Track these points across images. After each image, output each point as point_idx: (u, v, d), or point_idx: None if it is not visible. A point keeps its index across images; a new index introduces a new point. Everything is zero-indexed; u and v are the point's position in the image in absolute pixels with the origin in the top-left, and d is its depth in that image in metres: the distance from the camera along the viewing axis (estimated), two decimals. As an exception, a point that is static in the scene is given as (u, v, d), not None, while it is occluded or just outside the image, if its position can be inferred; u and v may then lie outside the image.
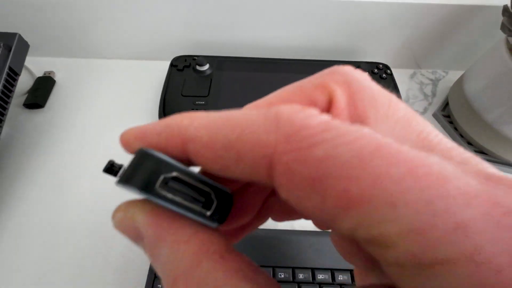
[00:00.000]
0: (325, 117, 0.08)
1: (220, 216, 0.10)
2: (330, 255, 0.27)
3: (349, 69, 0.10)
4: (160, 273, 0.09)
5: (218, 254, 0.09)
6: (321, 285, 0.26)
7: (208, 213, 0.09)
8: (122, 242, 0.30)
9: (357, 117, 0.09)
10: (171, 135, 0.09)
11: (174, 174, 0.09)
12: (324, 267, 0.27)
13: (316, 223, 0.08)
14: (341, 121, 0.08)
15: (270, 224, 0.31)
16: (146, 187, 0.09)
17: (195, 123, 0.09)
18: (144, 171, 0.09)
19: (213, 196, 0.10)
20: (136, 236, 0.09)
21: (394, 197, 0.06)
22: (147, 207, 0.09)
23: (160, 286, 0.26)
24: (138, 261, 0.29)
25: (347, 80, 0.09)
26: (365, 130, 0.07)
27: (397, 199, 0.06)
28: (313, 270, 0.27)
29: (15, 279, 0.29)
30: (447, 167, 0.07)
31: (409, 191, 0.06)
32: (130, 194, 0.10)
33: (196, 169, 0.10)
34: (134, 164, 0.09)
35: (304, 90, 0.10)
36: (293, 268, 0.27)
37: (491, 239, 0.06)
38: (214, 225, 0.10)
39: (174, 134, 0.09)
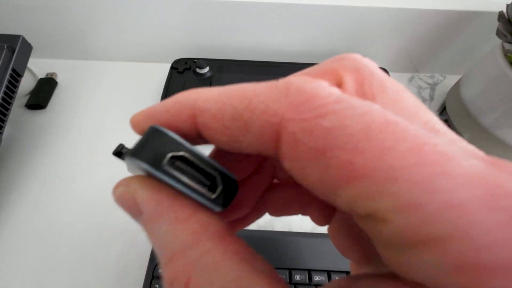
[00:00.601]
0: (336, 90, 0.08)
1: (225, 201, 0.10)
2: (327, 256, 0.27)
3: (358, 56, 0.10)
4: (157, 249, 0.09)
5: (217, 235, 0.09)
6: (318, 287, 0.26)
7: (213, 196, 0.09)
8: (121, 242, 0.30)
9: None
10: (180, 110, 0.09)
11: (182, 153, 0.09)
12: (321, 268, 0.27)
13: (317, 194, 0.08)
14: (351, 95, 0.08)
15: (267, 225, 0.32)
16: (153, 162, 0.09)
17: (203, 96, 0.09)
18: (153, 147, 0.09)
19: (218, 180, 0.10)
20: (135, 211, 0.09)
21: (396, 171, 0.06)
22: (149, 183, 0.09)
23: (157, 286, 0.26)
24: (137, 261, 0.29)
25: (356, 66, 0.09)
26: (375, 106, 0.07)
27: (399, 174, 0.06)
28: (310, 272, 0.27)
29: (15, 279, 0.29)
30: (453, 148, 0.06)
31: (412, 167, 0.06)
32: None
33: (206, 153, 0.10)
34: (143, 140, 0.09)
35: (312, 75, 0.10)
36: (290, 270, 0.27)
37: (481, 219, 0.06)
38: (217, 208, 0.10)
39: (183, 109, 0.09)
